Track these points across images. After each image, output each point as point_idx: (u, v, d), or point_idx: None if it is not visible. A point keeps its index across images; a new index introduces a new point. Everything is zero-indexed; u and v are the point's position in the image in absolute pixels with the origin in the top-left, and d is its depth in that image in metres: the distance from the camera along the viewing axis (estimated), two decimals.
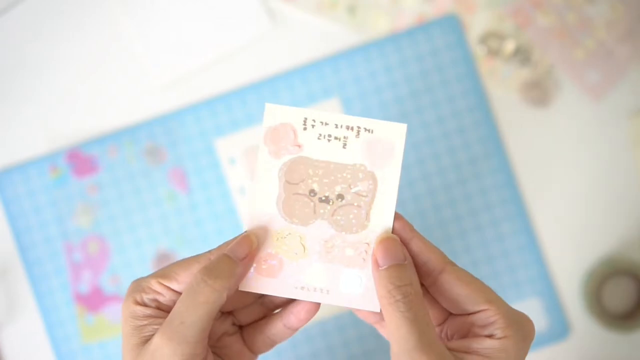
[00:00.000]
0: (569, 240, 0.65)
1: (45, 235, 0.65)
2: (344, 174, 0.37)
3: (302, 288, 0.37)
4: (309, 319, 0.39)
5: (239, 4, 0.66)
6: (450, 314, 0.38)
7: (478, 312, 0.36)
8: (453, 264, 0.37)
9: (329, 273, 0.37)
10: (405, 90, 0.65)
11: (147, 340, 0.35)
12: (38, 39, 0.66)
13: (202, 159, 0.65)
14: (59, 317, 0.64)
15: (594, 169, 0.65)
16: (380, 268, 0.35)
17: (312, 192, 0.37)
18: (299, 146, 0.37)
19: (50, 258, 0.64)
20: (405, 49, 0.65)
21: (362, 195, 0.37)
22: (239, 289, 0.37)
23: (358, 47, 0.65)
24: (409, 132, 0.65)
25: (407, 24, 0.66)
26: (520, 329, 0.36)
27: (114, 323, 0.64)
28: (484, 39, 0.65)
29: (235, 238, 0.37)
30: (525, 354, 0.36)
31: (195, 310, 0.34)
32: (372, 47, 0.65)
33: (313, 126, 0.37)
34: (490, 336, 0.35)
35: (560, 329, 0.64)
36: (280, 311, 0.40)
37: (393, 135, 0.37)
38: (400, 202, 0.64)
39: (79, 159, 0.65)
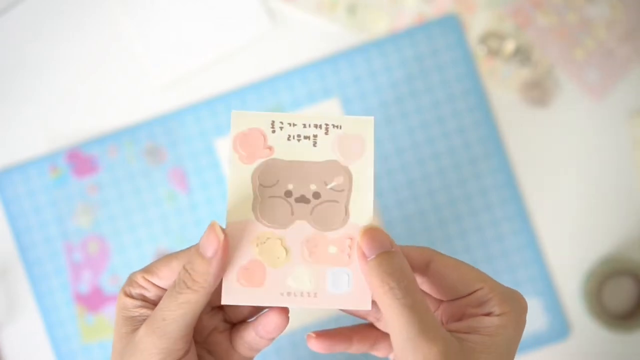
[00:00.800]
0: (569, 240, 0.65)
1: (45, 235, 0.65)
2: (318, 172, 0.37)
3: (289, 294, 0.36)
4: (279, 332, 0.38)
5: (239, 4, 0.66)
6: (442, 301, 0.38)
7: (472, 292, 0.36)
8: (439, 253, 0.37)
9: (315, 275, 0.36)
10: (405, 90, 0.65)
11: (135, 329, 0.36)
12: (38, 39, 0.66)
13: (202, 159, 0.65)
14: (59, 317, 0.64)
15: (594, 169, 0.65)
16: (368, 259, 0.35)
17: (288, 193, 0.37)
18: (270, 149, 0.37)
19: (50, 258, 0.64)
20: (405, 49, 0.65)
21: (338, 190, 0.36)
22: (222, 303, 0.36)
23: (358, 47, 0.65)
24: (410, 132, 0.65)
25: (407, 24, 0.66)
26: (516, 304, 0.36)
27: (114, 323, 0.64)
28: (484, 39, 0.65)
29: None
30: (523, 327, 0.36)
31: (176, 308, 0.34)
32: (372, 47, 0.65)
33: (281, 128, 0.37)
34: (488, 314, 0.35)
35: (560, 329, 0.64)
36: (253, 320, 0.39)
37: (361, 128, 0.37)
38: (400, 202, 0.64)
39: (79, 159, 0.65)
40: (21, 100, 0.66)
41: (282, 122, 0.37)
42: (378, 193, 0.64)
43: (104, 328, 0.64)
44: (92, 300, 0.64)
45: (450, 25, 0.65)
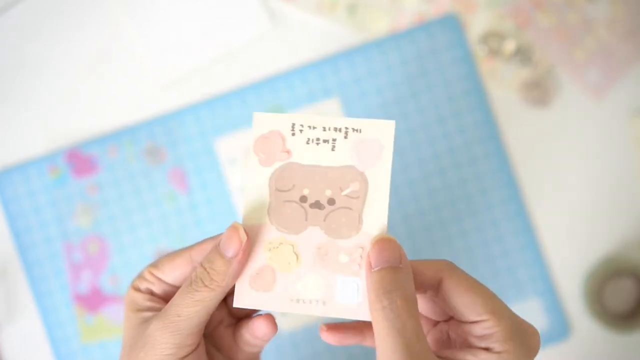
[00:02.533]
0: (569, 240, 0.65)
1: (45, 235, 0.65)
2: (334, 177, 0.36)
3: (298, 301, 0.36)
4: (268, 338, 0.38)
5: (239, 4, 0.66)
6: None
7: (478, 321, 0.34)
8: (455, 270, 0.35)
9: (325, 283, 0.35)
10: (405, 90, 0.65)
11: (145, 321, 0.36)
12: (38, 39, 0.66)
13: (202, 159, 0.65)
14: (59, 318, 0.64)
15: (594, 169, 0.65)
16: (372, 269, 0.33)
17: (303, 198, 0.36)
18: (288, 152, 0.36)
19: (50, 258, 0.64)
20: (405, 49, 0.65)
21: (353, 198, 0.36)
22: (233, 305, 0.36)
23: (358, 47, 0.65)
24: (410, 132, 0.65)
25: (407, 23, 0.66)
26: (523, 344, 0.33)
27: (114, 323, 0.64)
28: (484, 38, 0.65)
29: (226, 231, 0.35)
30: None
31: (191, 306, 0.34)
32: (372, 47, 0.65)
33: (301, 131, 0.36)
34: (487, 349, 0.33)
35: (561, 329, 0.64)
36: (247, 321, 0.39)
37: (381, 133, 0.36)
38: (400, 202, 0.64)
39: (79, 159, 0.65)
40: (21, 100, 0.66)
41: (302, 125, 0.36)
42: None
43: (104, 328, 0.64)
44: (92, 301, 0.64)
45: (450, 25, 0.65)
